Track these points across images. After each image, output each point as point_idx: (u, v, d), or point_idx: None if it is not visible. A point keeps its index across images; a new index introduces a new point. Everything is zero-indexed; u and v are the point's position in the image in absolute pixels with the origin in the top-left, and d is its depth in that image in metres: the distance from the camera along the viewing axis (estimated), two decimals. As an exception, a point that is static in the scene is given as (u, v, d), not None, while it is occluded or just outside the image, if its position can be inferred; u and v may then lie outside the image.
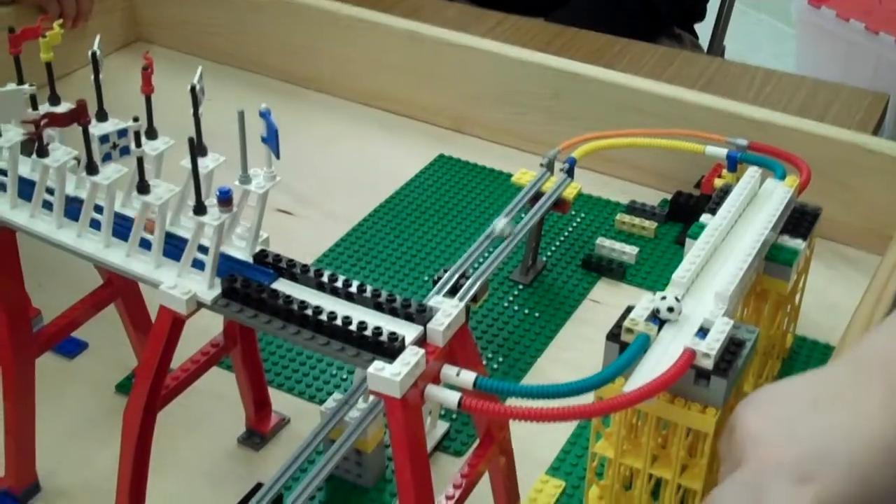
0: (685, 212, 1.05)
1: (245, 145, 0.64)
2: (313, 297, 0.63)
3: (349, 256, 1.02)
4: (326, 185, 1.13)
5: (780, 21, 2.95)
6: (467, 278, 0.79)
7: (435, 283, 0.79)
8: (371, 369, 0.57)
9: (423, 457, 0.60)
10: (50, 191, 0.70)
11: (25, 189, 0.70)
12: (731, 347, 0.66)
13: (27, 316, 0.76)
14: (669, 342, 0.66)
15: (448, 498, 0.65)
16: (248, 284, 0.63)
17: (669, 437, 0.67)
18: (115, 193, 0.68)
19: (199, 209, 0.64)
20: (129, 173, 0.67)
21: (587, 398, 0.60)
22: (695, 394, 0.64)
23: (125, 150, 0.69)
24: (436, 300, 0.62)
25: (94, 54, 0.69)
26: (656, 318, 0.67)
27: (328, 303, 0.62)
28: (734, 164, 0.93)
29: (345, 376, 0.88)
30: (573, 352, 0.92)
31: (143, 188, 0.65)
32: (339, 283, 0.63)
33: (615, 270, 1.00)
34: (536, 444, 0.81)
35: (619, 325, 0.67)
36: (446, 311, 0.61)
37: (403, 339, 0.59)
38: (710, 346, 0.64)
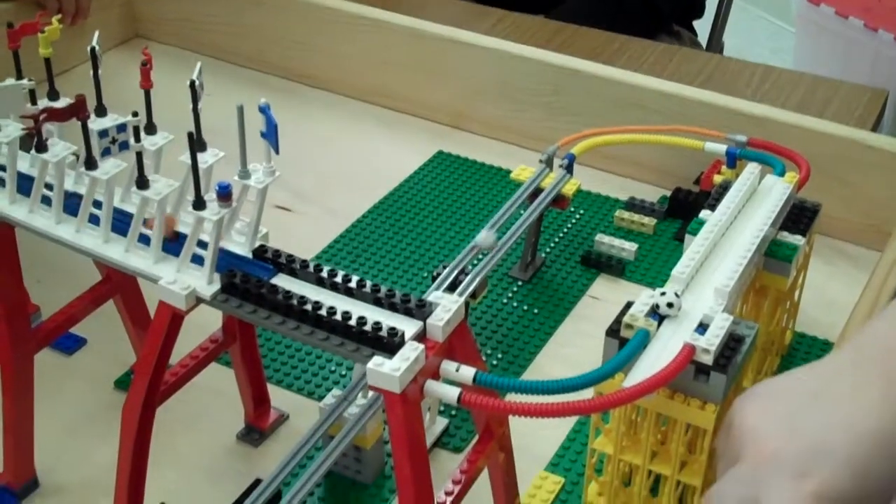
0: (684, 208, 1.05)
1: (244, 140, 0.64)
2: (313, 293, 0.63)
3: (348, 253, 1.02)
4: (326, 181, 1.13)
5: (779, 18, 2.96)
6: (466, 274, 0.79)
7: (434, 279, 0.79)
8: (370, 364, 0.57)
9: (422, 453, 0.60)
10: (49, 186, 0.69)
11: (24, 184, 0.70)
12: (731, 343, 0.65)
13: (26, 312, 0.76)
14: (669, 338, 0.66)
15: (447, 494, 0.65)
16: (248, 280, 0.63)
17: (669, 433, 0.67)
18: (115, 188, 0.67)
19: (199, 204, 0.63)
20: (129, 168, 0.67)
21: (587, 394, 0.60)
22: (694, 389, 0.64)
23: (124, 146, 0.69)
24: (435, 296, 0.61)
25: (93, 50, 0.69)
26: (656, 314, 0.67)
27: (328, 298, 0.62)
28: (733, 160, 0.92)
29: (343, 372, 0.88)
30: (572, 348, 0.92)
31: (142, 183, 0.65)
32: (339, 279, 0.63)
33: (614, 267, 1.00)
34: (536, 440, 0.81)
35: (618, 320, 0.67)
36: (446, 306, 0.60)
37: (403, 335, 0.59)
38: (710, 342, 0.64)
